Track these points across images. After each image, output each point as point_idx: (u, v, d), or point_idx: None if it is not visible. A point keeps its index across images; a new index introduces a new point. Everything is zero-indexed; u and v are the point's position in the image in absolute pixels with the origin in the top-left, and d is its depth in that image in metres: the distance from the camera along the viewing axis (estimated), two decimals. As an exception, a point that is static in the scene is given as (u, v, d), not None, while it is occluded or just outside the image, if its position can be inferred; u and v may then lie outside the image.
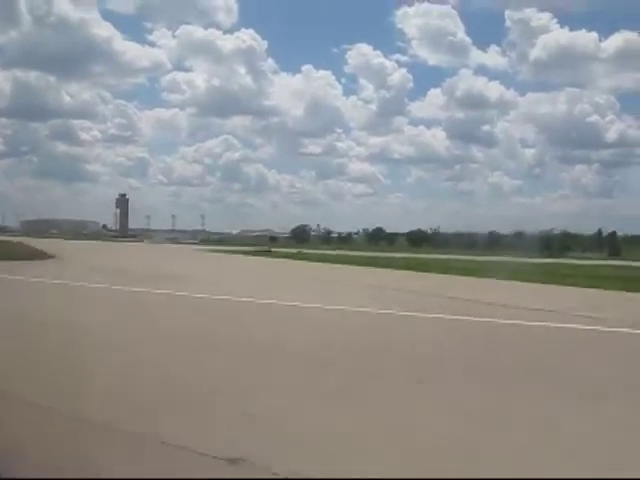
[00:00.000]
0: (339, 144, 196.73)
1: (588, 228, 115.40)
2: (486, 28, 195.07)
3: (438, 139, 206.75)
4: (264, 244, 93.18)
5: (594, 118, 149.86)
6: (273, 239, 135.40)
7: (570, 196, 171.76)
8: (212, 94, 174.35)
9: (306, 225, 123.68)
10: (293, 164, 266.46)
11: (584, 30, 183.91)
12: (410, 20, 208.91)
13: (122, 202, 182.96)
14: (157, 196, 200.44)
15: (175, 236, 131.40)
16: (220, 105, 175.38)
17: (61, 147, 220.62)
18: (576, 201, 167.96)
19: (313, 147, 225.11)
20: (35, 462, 4.08)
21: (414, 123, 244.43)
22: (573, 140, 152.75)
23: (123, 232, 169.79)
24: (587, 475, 4.24)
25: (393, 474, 4.19)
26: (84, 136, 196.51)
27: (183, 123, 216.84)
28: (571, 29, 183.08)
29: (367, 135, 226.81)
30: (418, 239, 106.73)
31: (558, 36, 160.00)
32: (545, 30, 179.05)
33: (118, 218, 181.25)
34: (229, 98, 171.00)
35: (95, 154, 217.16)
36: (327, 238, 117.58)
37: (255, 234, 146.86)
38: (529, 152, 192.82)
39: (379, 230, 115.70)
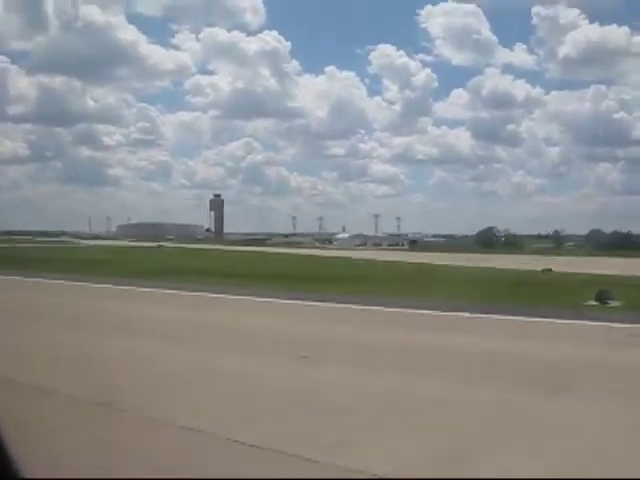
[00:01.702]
0: (362, 145, 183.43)
1: None
2: (512, 26, 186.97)
3: (462, 139, 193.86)
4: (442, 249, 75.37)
5: (621, 115, 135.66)
6: (413, 242, 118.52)
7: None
8: (235, 97, 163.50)
9: (493, 227, 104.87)
10: (315, 166, 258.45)
11: (615, 25, 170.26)
12: (434, 19, 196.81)
13: (217, 203, 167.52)
14: (178, 199, 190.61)
15: (363, 241, 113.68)
16: (243, 107, 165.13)
17: (85, 152, 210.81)
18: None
19: (336, 149, 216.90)
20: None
21: (438, 123, 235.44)
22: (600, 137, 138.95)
23: (219, 235, 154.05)
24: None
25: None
26: (107, 141, 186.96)
27: (206, 126, 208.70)
28: (601, 24, 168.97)
29: (390, 136, 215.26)
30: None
31: (588, 32, 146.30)
32: (574, 26, 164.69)
33: (213, 220, 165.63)
34: (252, 100, 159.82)
35: (118, 158, 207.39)
36: (513, 242, 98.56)
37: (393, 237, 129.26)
38: (554, 150, 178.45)
39: (597, 232, 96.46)
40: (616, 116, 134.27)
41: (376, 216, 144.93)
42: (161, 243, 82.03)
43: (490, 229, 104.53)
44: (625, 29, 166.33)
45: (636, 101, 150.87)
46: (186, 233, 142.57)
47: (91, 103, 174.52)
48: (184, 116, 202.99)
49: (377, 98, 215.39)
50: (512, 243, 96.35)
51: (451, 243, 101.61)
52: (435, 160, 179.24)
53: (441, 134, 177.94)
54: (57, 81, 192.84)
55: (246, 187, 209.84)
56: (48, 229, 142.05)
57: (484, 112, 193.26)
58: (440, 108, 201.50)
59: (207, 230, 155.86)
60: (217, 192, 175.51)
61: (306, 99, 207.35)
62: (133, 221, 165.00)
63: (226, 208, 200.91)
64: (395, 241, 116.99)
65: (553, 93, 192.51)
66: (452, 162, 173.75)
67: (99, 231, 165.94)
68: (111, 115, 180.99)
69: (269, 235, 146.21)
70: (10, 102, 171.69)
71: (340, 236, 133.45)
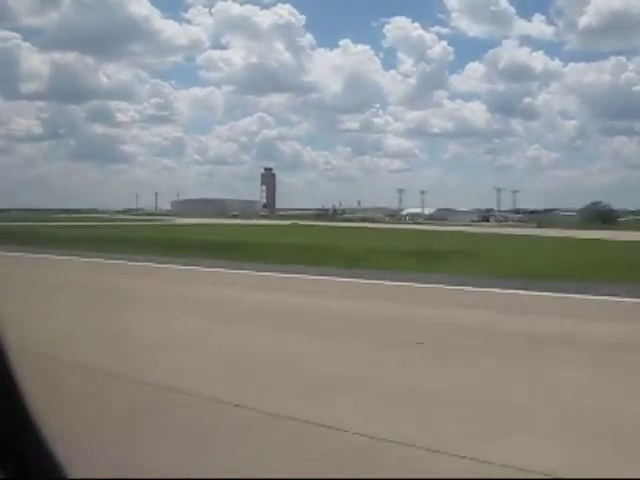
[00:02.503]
0: (376, 119, 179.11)
1: None
2: None
3: (477, 113, 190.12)
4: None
5: None
6: (486, 218, 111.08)
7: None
8: (249, 71, 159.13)
9: (598, 202, 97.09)
10: (329, 141, 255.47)
11: None
12: None
13: (268, 177, 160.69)
14: (191, 175, 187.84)
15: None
16: (257, 82, 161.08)
17: (99, 129, 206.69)
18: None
19: (350, 123, 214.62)
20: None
21: (454, 97, 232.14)
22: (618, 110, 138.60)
23: (272, 210, 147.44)
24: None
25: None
26: (121, 117, 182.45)
27: (219, 101, 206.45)
28: None
29: (405, 110, 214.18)
30: None
31: (610, 0, 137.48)
32: None
33: (265, 195, 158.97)
34: (266, 75, 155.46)
35: (132, 135, 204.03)
36: (615, 217, 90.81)
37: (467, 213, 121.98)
38: (570, 124, 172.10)
39: None
40: (636, 88, 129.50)
41: (499, 190, 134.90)
42: (295, 221, 75.10)
43: (596, 204, 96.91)
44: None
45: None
46: (246, 209, 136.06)
47: (104, 79, 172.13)
48: (197, 91, 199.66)
49: (392, 71, 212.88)
50: (614, 218, 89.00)
51: (555, 218, 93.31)
52: (450, 134, 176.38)
53: (456, 107, 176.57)
54: (70, 57, 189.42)
55: (259, 162, 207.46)
56: (67, 206, 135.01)
57: (500, 85, 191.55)
58: (456, 81, 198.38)
59: (264, 206, 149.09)
60: (229, 166, 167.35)
61: (320, 73, 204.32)
62: (183, 197, 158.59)
63: (239, 183, 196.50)
64: (504, 217, 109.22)
65: (571, 65, 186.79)
66: (467, 136, 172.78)
67: (142, 207, 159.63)
68: (124, 91, 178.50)
69: (319, 210, 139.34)
70: (23, 79, 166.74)
71: (411, 211, 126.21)
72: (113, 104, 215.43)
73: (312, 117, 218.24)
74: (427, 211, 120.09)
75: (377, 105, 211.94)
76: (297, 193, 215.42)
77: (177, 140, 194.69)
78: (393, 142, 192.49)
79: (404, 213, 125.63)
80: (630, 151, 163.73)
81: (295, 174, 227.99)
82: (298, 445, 4.31)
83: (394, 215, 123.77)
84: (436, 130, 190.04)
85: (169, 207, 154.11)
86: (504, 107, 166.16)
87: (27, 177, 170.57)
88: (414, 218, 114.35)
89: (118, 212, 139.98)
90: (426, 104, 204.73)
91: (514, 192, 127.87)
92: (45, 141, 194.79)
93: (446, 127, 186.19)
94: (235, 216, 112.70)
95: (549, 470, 3.79)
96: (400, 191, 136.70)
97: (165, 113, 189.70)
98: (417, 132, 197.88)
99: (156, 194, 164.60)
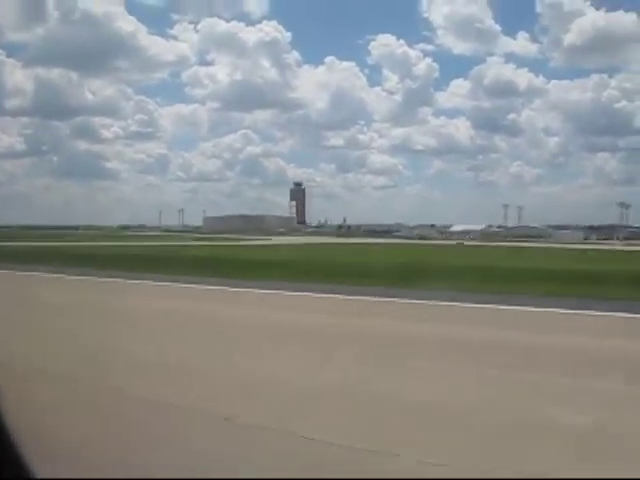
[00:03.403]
0: (361, 136, 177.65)
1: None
2: (515, 14, 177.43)
3: (462, 129, 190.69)
4: None
5: (622, 104, 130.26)
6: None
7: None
8: (234, 88, 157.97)
9: None
10: (313, 157, 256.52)
11: (621, 11, 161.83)
12: (436, 8, 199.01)
13: (298, 192, 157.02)
14: (175, 192, 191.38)
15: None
16: (242, 99, 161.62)
17: (82, 145, 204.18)
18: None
19: (335, 140, 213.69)
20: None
21: (439, 113, 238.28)
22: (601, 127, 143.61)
23: (304, 226, 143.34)
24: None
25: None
26: (105, 134, 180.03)
27: (204, 118, 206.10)
28: (607, 11, 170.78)
29: (390, 127, 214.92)
30: None
31: (593, 19, 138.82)
32: (580, 13, 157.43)
33: (296, 210, 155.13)
34: (251, 92, 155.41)
35: (115, 151, 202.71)
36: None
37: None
38: (553, 140, 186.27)
39: None
40: (617, 105, 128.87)
41: (627, 207, 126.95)
42: (460, 241, 70.86)
43: None
44: (632, 15, 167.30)
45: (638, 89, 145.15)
46: (283, 225, 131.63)
47: (89, 96, 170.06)
48: (182, 108, 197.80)
49: (377, 88, 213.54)
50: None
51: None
52: (434, 150, 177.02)
53: (441, 124, 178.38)
54: (54, 73, 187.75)
55: (243, 179, 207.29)
56: (49, 223, 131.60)
57: (485, 102, 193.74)
58: (441, 98, 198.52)
59: (300, 222, 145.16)
60: (213, 183, 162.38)
61: (306, 90, 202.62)
62: (211, 214, 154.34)
63: (222, 200, 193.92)
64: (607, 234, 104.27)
65: (554, 82, 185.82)
66: (451, 152, 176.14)
67: (164, 225, 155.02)
68: (109, 108, 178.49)
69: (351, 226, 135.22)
70: (6, 95, 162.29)
71: (457, 228, 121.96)
72: (97, 120, 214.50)
73: (297, 134, 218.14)
74: (464, 228, 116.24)
75: (362, 122, 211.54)
76: (281, 210, 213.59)
77: (161, 157, 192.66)
78: (377, 159, 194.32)
79: (453, 230, 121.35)
80: (612, 168, 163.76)
81: (279, 191, 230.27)
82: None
83: (443, 232, 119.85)
84: (420, 147, 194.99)
85: (192, 224, 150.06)
86: (488, 124, 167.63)
87: (9, 193, 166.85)
88: (466, 235, 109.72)
89: (117, 229, 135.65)
90: (411, 121, 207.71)
91: (625, 206, 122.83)
92: (28, 157, 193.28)
93: (430, 144, 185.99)
94: (282, 233, 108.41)
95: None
96: (505, 207, 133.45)
97: (149, 130, 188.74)
98: (401, 149, 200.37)
99: (180, 211, 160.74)
